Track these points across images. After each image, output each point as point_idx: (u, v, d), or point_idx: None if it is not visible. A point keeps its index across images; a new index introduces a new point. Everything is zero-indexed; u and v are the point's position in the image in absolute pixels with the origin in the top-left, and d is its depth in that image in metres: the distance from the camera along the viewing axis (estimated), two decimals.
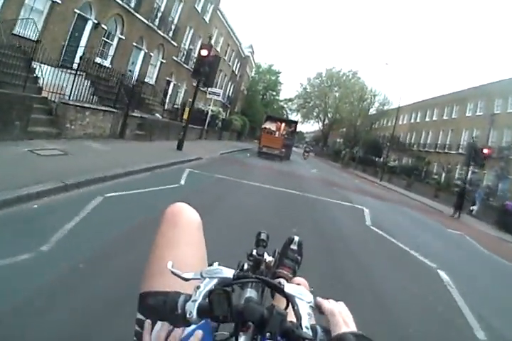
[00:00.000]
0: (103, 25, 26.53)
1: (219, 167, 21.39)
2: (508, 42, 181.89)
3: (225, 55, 64.41)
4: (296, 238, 2.78)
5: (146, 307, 1.62)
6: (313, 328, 1.49)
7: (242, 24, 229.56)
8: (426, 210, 30.28)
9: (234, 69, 75.78)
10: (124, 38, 29.99)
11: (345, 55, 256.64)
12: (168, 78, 42.08)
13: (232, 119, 67.31)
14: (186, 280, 1.59)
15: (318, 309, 1.59)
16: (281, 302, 1.61)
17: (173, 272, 1.59)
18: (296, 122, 57.17)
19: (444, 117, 68.92)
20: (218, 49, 57.74)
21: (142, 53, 34.54)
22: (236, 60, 76.33)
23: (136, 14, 30.13)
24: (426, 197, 43.53)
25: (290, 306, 1.58)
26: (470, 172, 44.51)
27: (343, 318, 1.52)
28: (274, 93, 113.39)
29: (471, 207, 36.46)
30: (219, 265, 1.72)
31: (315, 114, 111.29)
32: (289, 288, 1.61)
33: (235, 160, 30.07)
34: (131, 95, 22.94)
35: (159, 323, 1.66)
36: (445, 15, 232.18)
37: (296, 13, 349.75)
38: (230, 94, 75.97)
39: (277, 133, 47.40)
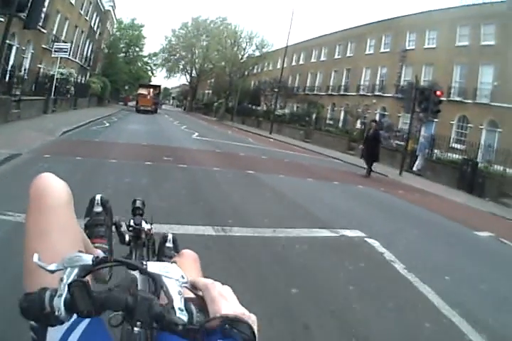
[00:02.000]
0: None
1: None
2: None
3: (81, 9, 54.53)
4: (98, 196, 2.67)
5: (22, 309, 1.35)
6: (187, 309, 1.33)
7: None
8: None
9: (92, 24, 64.79)
10: None
11: (215, 2, 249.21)
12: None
13: (89, 82, 59.17)
14: (52, 272, 1.40)
15: (192, 287, 1.47)
16: None
17: (39, 265, 1.40)
18: (159, 86, 78.89)
19: (336, 56, 64.20)
20: (73, 0, 48.68)
21: None
22: (95, 15, 65.41)
23: None
24: (340, 151, 38.57)
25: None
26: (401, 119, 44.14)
27: (219, 292, 1.41)
28: (138, 49, 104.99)
29: (416, 163, 30.64)
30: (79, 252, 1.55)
31: (181, 67, 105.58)
32: (152, 266, 1.43)
33: (82, 143, 20.17)
34: None
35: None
36: None
37: None
38: (89, 54, 68.03)
39: (148, 96, 67.83)
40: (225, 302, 1.36)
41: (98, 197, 2.65)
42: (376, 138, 23.29)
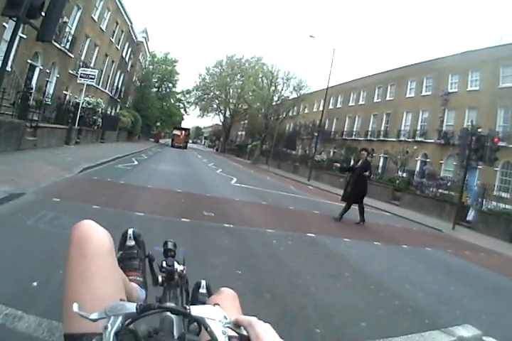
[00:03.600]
0: None
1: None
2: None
3: (112, 36, 53.33)
4: (130, 231, 2.81)
5: None
6: None
7: (135, 7, 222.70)
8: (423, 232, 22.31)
9: (124, 55, 63.86)
10: None
11: (252, 40, 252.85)
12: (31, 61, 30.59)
13: (119, 115, 57.49)
14: (94, 321, 1.49)
15: (235, 325, 1.53)
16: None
17: (80, 315, 1.49)
18: (189, 129, 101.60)
19: (375, 100, 61.80)
20: (103, 26, 47.44)
21: None
22: (127, 45, 64.48)
23: None
24: (384, 201, 36.48)
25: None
26: (443, 166, 42.89)
27: (263, 329, 1.47)
28: (171, 85, 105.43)
29: (469, 214, 29.10)
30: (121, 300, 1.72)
31: (215, 106, 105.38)
32: (196, 310, 1.54)
33: (104, 184, 16.68)
34: None
35: None
36: None
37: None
38: (120, 86, 66.82)
39: (181, 136, 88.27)
40: (270, 338, 1.40)
41: (130, 231, 2.76)
42: (366, 171, 18.74)
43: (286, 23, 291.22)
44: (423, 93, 51.11)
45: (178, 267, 2.47)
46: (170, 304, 1.67)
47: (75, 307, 1.47)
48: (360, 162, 19.03)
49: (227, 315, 1.52)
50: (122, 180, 17.98)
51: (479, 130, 25.56)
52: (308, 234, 13.37)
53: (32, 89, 26.21)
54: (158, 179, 21.29)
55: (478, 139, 24.20)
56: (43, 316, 4.50)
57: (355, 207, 18.83)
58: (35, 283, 5.57)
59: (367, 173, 18.28)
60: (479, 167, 34.13)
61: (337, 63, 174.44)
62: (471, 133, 24.50)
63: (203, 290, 2.71)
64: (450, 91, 45.99)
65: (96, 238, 2.08)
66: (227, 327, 1.47)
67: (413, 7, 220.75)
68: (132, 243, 2.74)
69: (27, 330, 4.31)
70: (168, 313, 1.74)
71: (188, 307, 1.54)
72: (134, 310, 1.49)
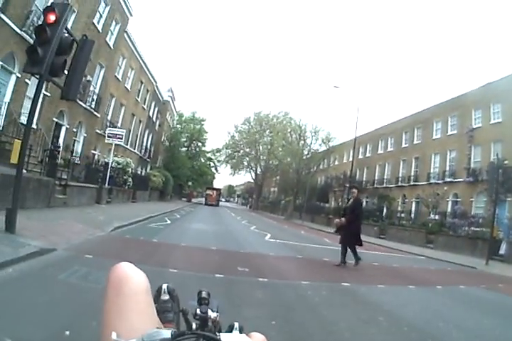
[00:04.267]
0: None
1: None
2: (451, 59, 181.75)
3: (138, 96, 54.18)
4: (164, 286, 2.87)
5: None
6: None
7: (159, 67, 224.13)
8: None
9: (151, 114, 64.78)
10: None
11: (277, 96, 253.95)
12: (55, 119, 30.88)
13: (149, 175, 57.97)
14: None
15: None
16: None
17: None
18: (220, 189, 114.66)
19: (403, 145, 62.01)
20: (128, 86, 48.33)
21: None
22: (153, 104, 65.46)
23: None
24: (418, 245, 36.38)
25: None
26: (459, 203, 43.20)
27: None
28: (200, 143, 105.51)
29: (501, 248, 29.15)
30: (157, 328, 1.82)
31: (246, 163, 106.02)
32: (225, 337, 1.66)
33: (137, 243, 16.31)
34: None
35: None
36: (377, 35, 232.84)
37: (215, 57, 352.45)
38: (149, 146, 67.43)
39: (213, 195, 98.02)
40: None
41: (165, 286, 2.83)
42: (357, 210, 17.43)
43: (309, 75, 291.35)
44: (449, 132, 51.10)
45: (212, 314, 2.48)
46: (202, 331, 1.78)
47: (114, 335, 1.59)
48: (350, 201, 18.08)
49: None
50: (155, 239, 17.71)
51: (505, 162, 25.45)
52: (343, 284, 13.24)
53: (59, 147, 26.64)
54: (191, 237, 21.00)
55: (505, 171, 24.38)
56: None
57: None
58: (67, 332, 5.51)
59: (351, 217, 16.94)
60: (508, 199, 33.92)
61: (363, 110, 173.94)
62: (498, 167, 24.54)
63: (236, 332, 2.53)
64: (474, 126, 45.88)
65: (133, 278, 2.19)
66: None
67: (430, 45, 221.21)
68: (167, 297, 2.78)
69: None
70: None
71: (218, 334, 1.66)
72: (169, 336, 1.59)
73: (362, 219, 18.52)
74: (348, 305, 10.40)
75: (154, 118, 69.10)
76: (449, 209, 43.58)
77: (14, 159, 16.26)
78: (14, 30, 22.33)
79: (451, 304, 12.59)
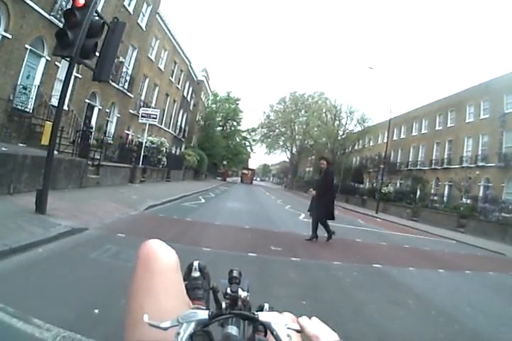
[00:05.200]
0: None
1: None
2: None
3: (172, 76, 54.40)
4: (195, 262, 2.91)
5: None
6: None
7: (193, 46, 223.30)
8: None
9: (185, 94, 64.97)
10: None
11: (312, 76, 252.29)
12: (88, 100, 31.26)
13: (184, 154, 57.91)
14: (165, 329, 1.56)
15: (296, 329, 1.62)
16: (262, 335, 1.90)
17: (150, 324, 1.57)
18: (254, 169, 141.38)
19: (437, 128, 61.27)
20: (161, 66, 48.55)
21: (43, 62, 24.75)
22: (187, 84, 65.61)
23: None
24: (449, 229, 36.05)
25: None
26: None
27: (322, 328, 1.58)
28: (235, 123, 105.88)
29: None
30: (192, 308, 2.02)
31: (281, 143, 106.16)
32: (263, 316, 1.66)
33: (170, 221, 16.23)
34: None
35: None
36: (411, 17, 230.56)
37: (252, 35, 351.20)
38: (183, 126, 67.64)
39: (248, 174, 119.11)
40: (328, 337, 1.50)
41: (196, 263, 2.86)
42: (327, 180, 16.60)
43: (344, 55, 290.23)
44: (481, 116, 50.46)
45: (242, 293, 2.33)
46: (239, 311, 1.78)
47: (146, 318, 1.55)
48: (321, 173, 17.12)
49: (289, 320, 1.59)
50: (189, 218, 17.70)
51: None
52: (375, 265, 13.29)
53: (92, 128, 26.78)
54: (225, 216, 20.89)
55: None
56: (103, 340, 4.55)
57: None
58: (96, 311, 5.58)
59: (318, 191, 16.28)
60: None
61: (397, 91, 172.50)
62: None
63: (195, 274, 2.79)
64: (506, 111, 45.30)
65: (163, 255, 2.19)
66: (289, 329, 1.55)
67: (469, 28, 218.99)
68: (197, 274, 2.82)
69: None
70: (230, 330, 1.70)
71: (255, 313, 1.66)
72: (207, 317, 1.60)
73: (334, 191, 17.35)
74: (378, 287, 10.53)
75: (189, 98, 69.09)
76: (480, 194, 43.13)
77: (45, 141, 16.39)
78: (42, 14, 22.66)
79: (480, 290, 12.59)
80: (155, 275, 2.10)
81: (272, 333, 1.55)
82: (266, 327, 1.61)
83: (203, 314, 1.62)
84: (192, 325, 1.55)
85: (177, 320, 1.56)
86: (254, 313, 1.66)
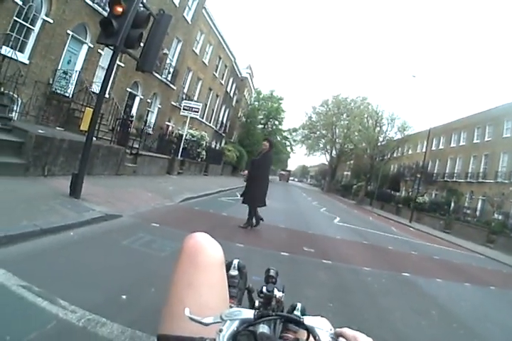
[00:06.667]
0: None
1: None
2: None
3: (216, 71, 54.72)
4: (235, 261, 2.98)
5: None
6: None
7: (239, 43, 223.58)
8: None
9: (228, 90, 65.13)
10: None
11: (355, 81, 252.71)
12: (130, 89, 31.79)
13: (224, 149, 57.99)
14: (207, 325, 1.57)
15: (338, 337, 1.60)
16: (291, 334, 2.13)
17: (191, 318, 1.57)
18: (290, 170, 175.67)
19: (475, 141, 60.44)
20: (206, 60, 48.90)
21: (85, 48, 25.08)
22: (231, 80, 65.86)
23: None
24: (479, 243, 35.46)
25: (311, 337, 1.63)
26: None
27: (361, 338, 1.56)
28: (277, 122, 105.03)
29: None
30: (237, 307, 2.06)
31: (321, 145, 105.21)
32: (308, 320, 1.64)
33: (205, 215, 16.26)
34: None
35: None
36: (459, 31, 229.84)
37: (298, 37, 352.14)
38: (225, 121, 67.79)
39: (285, 175, 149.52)
40: None
41: (236, 261, 2.94)
42: (264, 164, 15.45)
43: (388, 62, 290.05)
44: None
45: (278, 293, 2.50)
46: (286, 314, 1.83)
47: (187, 311, 1.56)
48: (259, 155, 15.48)
49: (332, 327, 1.61)
50: (224, 212, 17.81)
51: None
52: (403, 274, 13.28)
53: (132, 117, 27.00)
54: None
55: None
56: (127, 326, 4.61)
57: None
58: (124, 296, 5.63)
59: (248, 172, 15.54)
60: None
61: (439, 100, 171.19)
62: None
63: (297, 313, 2.62)
64: None
65: (209, 250, 2.21)
66: (333, 337, 1.55)
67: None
68: (235, 273, 2.86)
69: (108, 336, 4.39)
70: (262, 328, 1.76)
71: (301, 316, 1.65)
72: (251, 316, 1.60)
73: (268, 177, 15.89)
74: (404, 295, 10.59)
75: (232, 94, 69.18)
76: None
77: (84, 126, 16.83)
78: (86, 2, 23.10)
79: (503, 306, 12.58)
80: (199, 269, 2.10)
81: (315, 338, 1.56)
82: (309, 332, 1.60)
83: (248, 313, 1.61)
84: (235, 324, 1.55)
85: (220, 316, 1.57)
86: (299, 317, 1.65)
